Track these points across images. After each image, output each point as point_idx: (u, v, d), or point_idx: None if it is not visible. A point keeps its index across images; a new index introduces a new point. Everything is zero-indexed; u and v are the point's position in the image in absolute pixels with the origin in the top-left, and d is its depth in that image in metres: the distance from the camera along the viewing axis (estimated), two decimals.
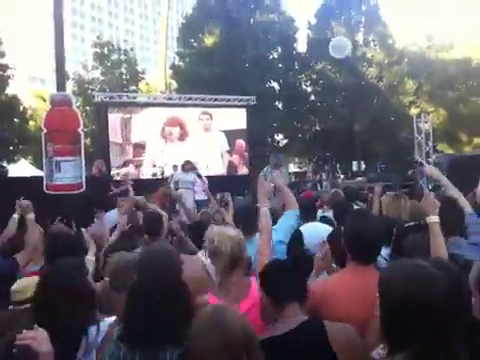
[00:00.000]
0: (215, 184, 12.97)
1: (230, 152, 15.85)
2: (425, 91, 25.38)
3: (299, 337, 1.79)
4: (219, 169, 15.60)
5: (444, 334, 1.26)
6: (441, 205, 2.65)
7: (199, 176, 9.74)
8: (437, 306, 1.26)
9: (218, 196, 8.90)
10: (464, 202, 3.07)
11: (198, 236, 3.61)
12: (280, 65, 25.89)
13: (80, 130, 7.21)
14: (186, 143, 15.00)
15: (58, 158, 6.89)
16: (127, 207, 5.32)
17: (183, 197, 7.96)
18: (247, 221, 3.17)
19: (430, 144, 15.39)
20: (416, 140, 15.37)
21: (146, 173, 14.53)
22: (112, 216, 5.82)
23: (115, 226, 4.57)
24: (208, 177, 13.49)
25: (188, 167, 10.11)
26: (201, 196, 9.40)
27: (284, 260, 2.40)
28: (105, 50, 25.96)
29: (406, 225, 3.39)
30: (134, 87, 25.80)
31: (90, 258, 3.07)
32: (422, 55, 25.99)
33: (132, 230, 4.32)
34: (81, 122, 7.36)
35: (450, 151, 24.43)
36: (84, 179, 7.19)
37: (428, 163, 15.22)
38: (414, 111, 22.52)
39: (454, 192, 3.16)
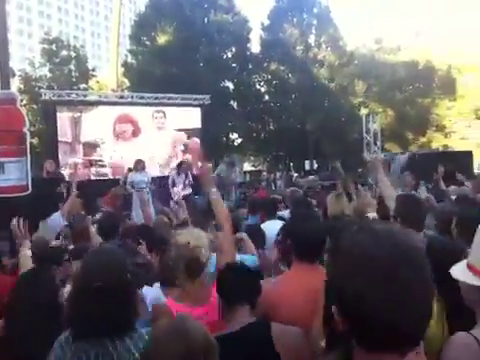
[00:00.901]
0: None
1: (184, 152, 15.75)
2: (374, 92, 26.30)
3: (243, 338, 1.81)
4: (169, 169, 15.43)
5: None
6: (404, 203, 2.75)
7: (179, 174, 9.72)
8: None
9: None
10: (390, 201, 3.15)
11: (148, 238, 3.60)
12: (234, 65, 26.00)
13: (25, 130, 6.92)
14: (138, 141, 14.75)
15: (2, 159, 6.58)
16: (73, 209, 5.15)
17: (139, 198, 7.85)
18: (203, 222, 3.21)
19: (378, 143, 15.97)
20: (365, 140, 15.91)
21: (97, 173, 14.17)
22: (54, 222, 5.49)
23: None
24: (161, 177, 13.44)
25: (140, 167, 9.93)
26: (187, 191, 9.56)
27: (239, 263, 2.40)
28: (54, 46, 25.00)
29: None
30: (84, 85, 25.01)
31: (26, 253, 2.98)
32: (371, 57, 26.91)
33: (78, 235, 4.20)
34: (26, 121, 7.06)
35: (397, 150, 25.46)
36: (30, 181, 6.91)
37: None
38: (364, 111, 23.29)
39: (387, 188, 3.27)
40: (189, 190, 9.61)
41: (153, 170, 14.33)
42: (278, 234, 3.26)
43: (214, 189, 2.68)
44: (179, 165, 10.40)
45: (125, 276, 1.85)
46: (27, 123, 7.05)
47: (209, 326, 2.05)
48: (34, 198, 6.76)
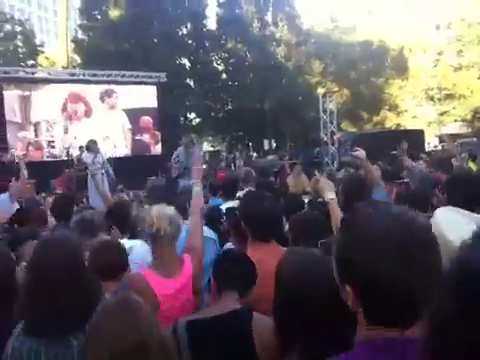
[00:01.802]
0: (124, 165, 12.59)
1: (133, 131, 15.34)
2: (330, 72, 26.58)
3: (220, 324, 1.79)
4: (123, 149, 15.13)
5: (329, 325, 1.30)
6: (347, 182, 2.84)
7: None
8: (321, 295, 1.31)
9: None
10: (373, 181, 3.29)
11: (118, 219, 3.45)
12: (190, 42, 25.46)
13: None
14: (91, 121, 14.26)
15: None
16: (25, 192, 4.89)
17: (93, 180, 7.56)
18: (163, 200, 3.17)
19: (334, 122, 16.21)
20: (322, 119, 16.09)
21: (49, 154, 13.61)
22: (2, 202, 5.14)
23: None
24: (116, 158, 13.10)
25: (94, 147, 9.55)
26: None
27: (237, 251, 2.47)
28: None
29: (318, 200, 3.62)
30: (32, 62, 23.75)
31: None
32: (327, 36, 27.10)
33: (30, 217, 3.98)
34: None
35: (353, 129, 26.04)
36: None
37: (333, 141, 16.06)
38: (320, 91, 23.53)
39: (371, 172, 3.46)
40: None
41: (108, 151, 13.99)
42: (225, 214, 3.41)
43: (199, 180, 2.76)
44: (88, 146, 9.86)
45: (76, 265, 1.75)
46: None
47: (180, 305, 2.17)
48: None
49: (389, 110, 28.68)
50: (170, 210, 2.29)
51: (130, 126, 15.26)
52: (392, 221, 0.90)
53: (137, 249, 2.83)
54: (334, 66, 26.46)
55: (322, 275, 1.31)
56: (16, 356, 1.68)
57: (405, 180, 4.22)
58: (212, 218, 3.57)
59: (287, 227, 2.72)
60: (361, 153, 3.47)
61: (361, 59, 26.58)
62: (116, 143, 14.72)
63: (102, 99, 14.58)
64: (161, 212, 2.24)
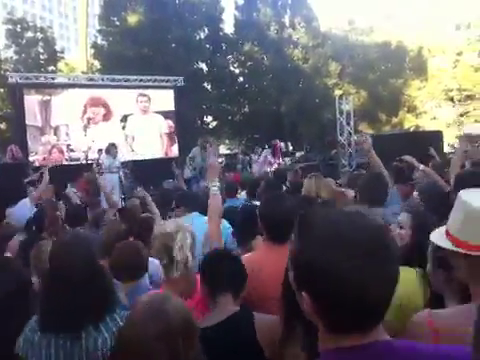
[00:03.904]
0: (149, 167, 12.87)
1: (168, 135, 15.73)
2: (347, 73, 26.41)
3: (226, 330, 1.78)
4: (157, 151, 15.46)
5: None
6: (368, 179, 2.85)
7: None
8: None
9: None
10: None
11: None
12: (207, 46, 25.62)
13: None
14: (111, 125, 14.49)
15: None
16: (44, 196, 5.01)
17: (108, 182, 7.69)
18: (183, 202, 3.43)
19: (351, 124, 16.09)
20: (338, 121, 15.99)
21: (69, 158, 13.86)
22: (22, 209, 5.20)
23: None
24: (143, 161, 13.50)
25: (113, 151, 9.73)
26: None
27: (223, 250, 2.40)
28: (18, 27, 24.05)
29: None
30: (52, 67, 24.23)
31: None
32: (344, 38, 26.94)
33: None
34: None
35: (370, 131, 25.77)
36: None
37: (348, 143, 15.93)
38: (337, 93, 23.39)
39: (378, 165, 3.47)
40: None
41: (128, 154, 14.25)
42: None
43: (217, 183, 2.68)
44: (108, 149, 10.02)
45: (93, 264, 1.81)
46: None
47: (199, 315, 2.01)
48: None
49: (408, 111, 28.29)
50: (180, 227, 2.08)
51: (167, 130, 15.62)
52: (345, 222, 0.88)
53: (153, 267, 2.69)
54: (351, 68, 26.28)
55: None
56: (27, 348, 1.75)
57: (412, 182, 4.19)
58: (229, 219, 3.57)
59: None
60: (365, 139, 3.47)
61: (379, 60, 26.34)
62: (146, 146, 15.02)
63: (135, 104, 14.95)
64: (179, 236, 2.03)
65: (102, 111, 14.45)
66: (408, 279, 1.88)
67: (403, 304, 1.71)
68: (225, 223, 3.31)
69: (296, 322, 1.36)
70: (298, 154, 17.71)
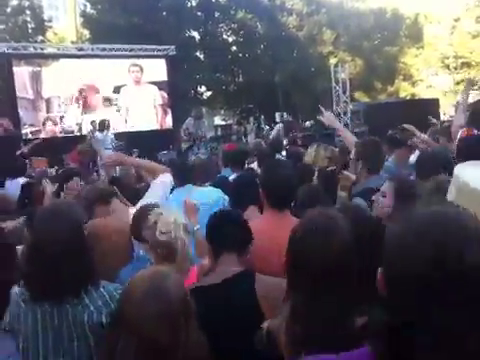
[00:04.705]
0: (144, 139, 12.71)
1: (163, 106, 15.42)
2: (343, 41, 26.00)
3: (226, 290, 1.77)
4: (152, 123, 15.19)
5: (334, 284, 1.28)
6: (364, 146, 2.84)
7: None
8: (332, 258, 1.29)
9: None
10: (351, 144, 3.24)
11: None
12: (199, 14, 25.01)
13: None
14: (104, 97, 14.23)
15: None
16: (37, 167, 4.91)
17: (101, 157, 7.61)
18: (180, 174, 3.28)
19: (347, 93, 15.94)
20: (334, 90, 15.83)
21: (63, 130, 13.67)
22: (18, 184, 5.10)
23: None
24: (127, 133, 13.21)
25: (106, 127, 9.59)
26: None
27: (230, 210, 2.46)
28: None
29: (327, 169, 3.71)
30: (41, 37, 23.59)
31: None
32: (339, 5, 26.40)
33: None
34: None
35: (366, 99, 25.60)
36: None
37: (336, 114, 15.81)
38: (332, 61, 23.07)
39: (348, 137, 3.40)
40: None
41: (122, 125, 14.10)
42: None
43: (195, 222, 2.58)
44: (100, 124, 9.84)
45: (78, 234, 1.75)
46: None
47: None
48: None
49: (404, 80, 28.06)
50: (170, 218, 2.00)
51: (161, 101, 15.28)
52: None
53: None
54: (346, 36, 25.85)
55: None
56: (14, 322, 1.73)
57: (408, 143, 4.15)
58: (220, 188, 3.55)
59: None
60: (328, 115, 3.42)
61: (374, 28, 25.92)
62: (140, 118, 14.75)
63: (127, 74, 14.58)
64: (175, 224, 1.98)
65: (96, 83, 14.14)
66: None
67: None
68: (221, 193, 3.31)
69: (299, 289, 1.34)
70: (308, 123, 17.40)
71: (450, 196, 1.39)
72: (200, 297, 1.60)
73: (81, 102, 13.84)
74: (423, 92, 27.39)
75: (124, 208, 2.85)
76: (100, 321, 1.67)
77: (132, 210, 2.67)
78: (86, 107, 13.92)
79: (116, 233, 2.58)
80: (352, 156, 2.98)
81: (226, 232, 1.93)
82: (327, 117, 3.44)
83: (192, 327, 1.33)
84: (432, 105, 14.58)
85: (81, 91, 13.83)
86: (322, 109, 3.50)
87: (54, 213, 1.79)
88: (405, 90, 27.78)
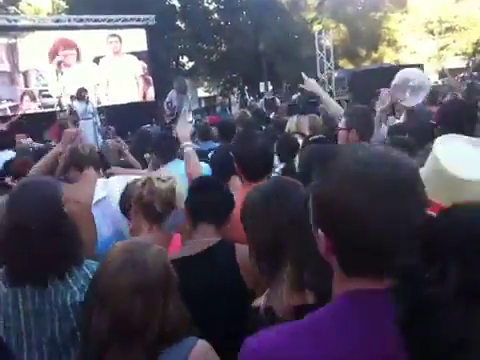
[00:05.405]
0: (117, 113, 12.43)
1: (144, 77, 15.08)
2: (326, 7, 25.54)
3: (206, 259, 1.74)
4: (133, 96, 14.86)
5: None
6: (358, 116, 2.85)
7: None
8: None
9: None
10: (338, 112, 3.22)
11: None
12: None
13: None
14: (83, 68, 13.84)
15: None
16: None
17: (83, 128, 7.48)
18: (164, 149, 3.34)
19: (331, 61, 15.77)
20: (318, 57, 15.64)
21: (42, 105, 13.32)
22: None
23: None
24: (108, 106, 12.92)
25: (84, 96, 9.34)
26: None
27: (209, 178, 2.38)
28: None
29: (310, 138, 3.67)
30: (14, 8, 22.65)
31: None
32: None
33: None
34: None
35: (351, 67, 25.39)
36: None
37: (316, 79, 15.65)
38: (316, 28, 22.70)
39: (331, 105, 3.35)
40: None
41: (103, 98, 13.80)
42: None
43: (189, 142, 2.63)
44: (78, 94, 9.55)
45: (57, 210, 1.69)
46: None
47: None
48: None
49: (388, 46, 27.83)
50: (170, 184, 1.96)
51: (142, 72, 14.96)
52: (377, 162, 0.81)
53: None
54: (330, 1, 25.38)
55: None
56: None
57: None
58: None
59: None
60: (310, 82, 3.35)
61: None
62: (119, 89, 14.41)
63: (105, 45, 14.21)
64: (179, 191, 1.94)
65: (74, 53, 13.74)
66: None
67: None
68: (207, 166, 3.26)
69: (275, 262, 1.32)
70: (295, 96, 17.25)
71: (424, 170, 1.36)
72: (178, 268, 1.58)
73: (60, 71, 13.47)
74: (407, 58, 27.24)
75: (93, 179, 2.71)
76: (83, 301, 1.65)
77: (100, 181, 2.62)
78: (63, 66, 13.56)
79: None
80: (341, 126, 2.92)
81: (203, 201, 1.87)
82: (308, 83, 3.36)
83: (173, 301, 1.27)
84: None
85: (59, 63, 13.45)
86: (304, 76, 3.43)
87: (28, 187, 1.73)
88: (389, 57, 27.60)
